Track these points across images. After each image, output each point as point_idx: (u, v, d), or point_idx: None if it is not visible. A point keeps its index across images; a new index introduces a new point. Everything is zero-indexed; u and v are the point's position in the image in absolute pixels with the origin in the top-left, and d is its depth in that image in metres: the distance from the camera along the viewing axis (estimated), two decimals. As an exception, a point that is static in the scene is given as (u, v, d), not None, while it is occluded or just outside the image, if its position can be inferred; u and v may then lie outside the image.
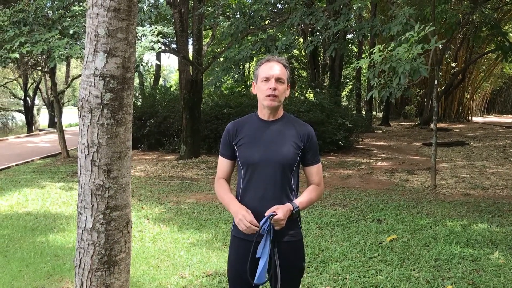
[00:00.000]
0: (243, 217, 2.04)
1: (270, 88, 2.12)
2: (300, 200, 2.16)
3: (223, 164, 2.27)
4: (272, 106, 2.15)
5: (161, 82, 30.30)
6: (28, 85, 26.28)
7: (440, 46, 6.18)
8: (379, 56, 6.01)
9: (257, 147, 2.15)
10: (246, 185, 2.17)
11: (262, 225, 2.04)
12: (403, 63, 5.79)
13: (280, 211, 2.04)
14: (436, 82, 7.90)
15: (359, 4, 12.03)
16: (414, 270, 3.96)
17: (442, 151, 12.29)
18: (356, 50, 23.75)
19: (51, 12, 9.78)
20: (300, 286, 2.31)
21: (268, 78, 2.14)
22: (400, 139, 16.94)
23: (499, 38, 12.72)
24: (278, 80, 2.15)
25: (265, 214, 2.05)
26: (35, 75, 24.04)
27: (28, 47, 8.46)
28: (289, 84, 2.22)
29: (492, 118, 30.30)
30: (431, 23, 6.03)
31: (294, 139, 2.17)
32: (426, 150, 12.98)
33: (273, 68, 2.16)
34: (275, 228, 2.05)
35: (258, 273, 2.05)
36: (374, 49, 6.20)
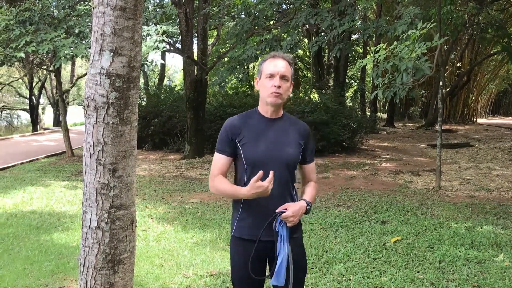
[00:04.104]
0: (252, 188, 2.01)
1: (275, 86, 2.10)
2: (309, 197, 2.21)
3: (221, 161, 2.17)
4: (275, 103, 2.14)
5: (165, 81, 30.35)
6: (33, 84, 26.37)
7: (444, 45, 6.17)
8: (383, 54, 5.99)
9: (262, 145, 2.13)
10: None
11: (274, 223, 2.07)
12: (406, 61, 5.77)
13: (290, 209, 2.07)
14: (441, 83, 7.87)
15: (364, 5, 11.98)
16: (418, 272, 3.95)
17: (446, 153, 12.23)
18: (361, 50, 23.70)
19: (56, 11, 9.83)
20: (304, 286, 2.30)
21: (273, 75, 2.12)
22: (405, 140, 16.89)
23: (504, 40, 12.67)
24: (283, 77, 2.12)
25: (276, 211, 2.07)
26: (40, 74, 24.12)
27: (33, 46, 8.49)
28: (292, 82, 2.20)
29: (497, 120, 30.16)
30: (432, 20, 6.00)
31: (297, 137, 2.19)
32: (431, 151, 12.93)
33: (278, 65, 2.13)
34: (288, 225, 2.07)
35: (277, 272, 2.05)
36: (377, 47, 6.18)
